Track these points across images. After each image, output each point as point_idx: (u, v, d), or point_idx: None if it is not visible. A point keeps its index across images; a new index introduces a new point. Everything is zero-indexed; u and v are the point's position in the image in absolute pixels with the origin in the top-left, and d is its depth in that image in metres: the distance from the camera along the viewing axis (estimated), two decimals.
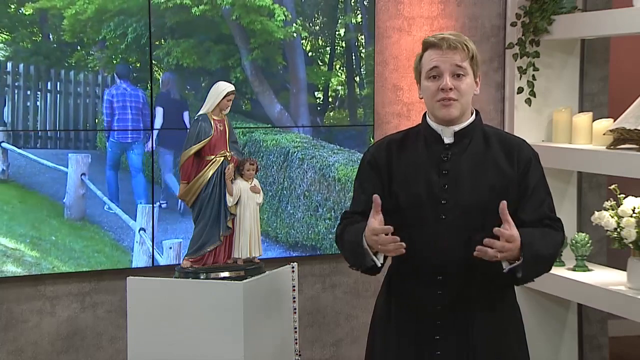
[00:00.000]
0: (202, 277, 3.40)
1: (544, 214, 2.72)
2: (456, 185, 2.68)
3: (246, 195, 3.45)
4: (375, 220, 2.61)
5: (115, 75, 3.97)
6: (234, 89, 3.51)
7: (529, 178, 2.71)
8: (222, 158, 3.44)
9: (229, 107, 3.52)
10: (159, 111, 4.02)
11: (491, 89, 4.71)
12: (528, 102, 4.59)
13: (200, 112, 3.49)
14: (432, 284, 2.70)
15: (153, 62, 4.05)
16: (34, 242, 3.92)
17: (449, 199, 2.67)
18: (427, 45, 2.72)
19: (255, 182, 3.49)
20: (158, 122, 4.04)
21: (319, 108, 4.41)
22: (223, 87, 3.48)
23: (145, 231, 4.07)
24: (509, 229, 2.56)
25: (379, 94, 4.52)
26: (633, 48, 5.63)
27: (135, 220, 4.08)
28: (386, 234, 2.58)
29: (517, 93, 4.59)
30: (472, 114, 2.76)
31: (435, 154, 2.73)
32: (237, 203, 3.44)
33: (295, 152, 4.31)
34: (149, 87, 4.05)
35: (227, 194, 3.42)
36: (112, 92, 3.98)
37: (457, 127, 2.72)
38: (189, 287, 3.36)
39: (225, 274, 3.41)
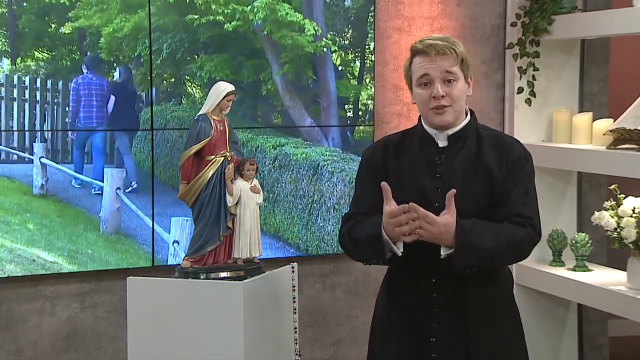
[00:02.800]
0: (202, 277, 3.40)
1: (516, 210, 2.69)
2: (449, 189, 2.66)
3: (246, 196, 3.45)
4: (390, 206, 2.61)
5: (83, 66, 4.01)
6: (234, 88, 3.51)
7: (513, 176, 2.70)
8: (222, 158, 3.44)
9: (229, 107, 3.52)
10: (112, 99, 4.06)
11: (491, 89, 4.71)
12: (528, 102, 4.59)
13: (200, 112, 3.48)
14: (426, 287, 2.70)
15: (187, 77, 4.14)
16: (72, 255, 3.98)
17: (442, 202, 2.66)
18: (415, 52, 2.72)
19: (255, 182, 3.49)
20: (109, 108, 4.08)
21: (349, 121, 4.44)
22: (223, 87, 3.48)
23: (179, 244, 4.11)
24: (444, 214, 2.57)
25: (379, 94, 4.52)
26: (633, 48, 5.63)
27: (169, 233, 4.14)
28: (404, 213, 2.57)
29: (517, 93, 4.59)
30: (466, 115, 2.76)
31: (429, 157, 2.73)
32: (237, 203, 3.44)
33: (325, 165, 4.34)
34: (150, 91, 4.06)
35: (227, 194, 3.42)
36: (79, 81, 4.00)
37: (450, 131, 2.73)
38: (189, 287, 3.36)
39: (225, 274, 3.41)
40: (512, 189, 2.70)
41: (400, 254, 2.66)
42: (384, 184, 2.63)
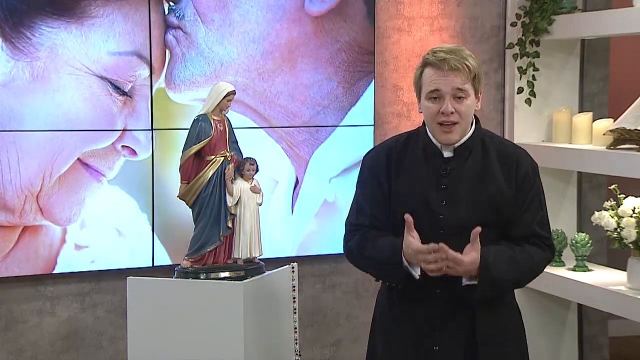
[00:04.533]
0: (202, 277, 3.40)
1: (533, 231, 2.70)
2: (454, 201, 2.66)
3: (246, 196, 3.45)
4: (415, 240, 2.60)
5: None
6: (234, 89, 3.51)
7: (524, 193, 2.69)
8: (222, 158, 3.44)
9: (229, 107, 3.52)
10: None
11: (491, 89, 4.71)
12: (528, 102, 4.59)
13: (200, 112, 3.49)
14: (430, 297, 2.69)
15: None
16: None
17: (447, 214, 2.65)
18: (426, 63, 2.68)
19: (256, 182, 3.49)
20: None
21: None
22: (223, 87, 3.49)
23: None
24: (468, 253, 2.58)
25: (378, 94, 4.52)
26: (633, 48, 5.63)
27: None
28: (433, 252, 2.58)
29: (517, 93, 4.59)
30: (471, 124, 2.73)
31: (433, 167, 2.70)
32: (237, 203, 3.44)
33: None
34: (150, 90, 4.06)
35: (227, 194, 3.43)
36: None
37: (457, 144, 2.70)
38: (189, 287, 3.36)
39: (226, 274, 3.41)
40: (526, 208, 2.68)
41: (417, 277, 2.65)
42: (407, 216, 2.60)
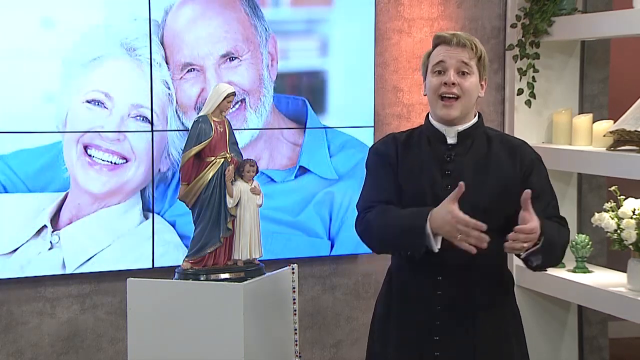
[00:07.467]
0: (202, 279, 3.40)
1: (551, 215, 2.71)
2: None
3: (246, 197, 3.45)
4: (456, 207, 2.55)
5: None
6: (234, 90, 3.51)
7: (534, 180, 2.71)
8: (223, 159, 3.44)
9: (229, 109, 3.52)
10: None
11: (491, 90, 4.71)
12: (528, 103, 4.59)
13: (201, 114, 3.49)
14: (432, 285, 2.70)
15: None
16: None
17: None
18: (437, 41, 2.73)
19: (256, 183, 3.49)
20: None
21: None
22: (224, 89, 3.48)
23: None
24: (531, 220, 2.54)
25: (379, 95, 4.52)
26: (633, 49, 5.63)
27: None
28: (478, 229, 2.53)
29: (517, 94, 4.59)
30: (475, 116, 2.76)
31: (438, 154, 2.73)
32: (237, 204, 3.44)
33: None
34: (150, 91, 4.07)
35: (227, 196, 3.42)
36: None
37: (460, 127, 2.73)
38: (189, 289, 3.36)
39: (226, 275, 3.41)
40: (537, 195, 2.66)
41: (436, 250, 2.60)
42: (461, 184, 2.55)
